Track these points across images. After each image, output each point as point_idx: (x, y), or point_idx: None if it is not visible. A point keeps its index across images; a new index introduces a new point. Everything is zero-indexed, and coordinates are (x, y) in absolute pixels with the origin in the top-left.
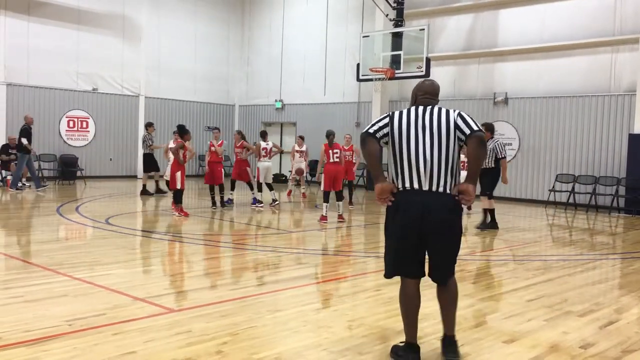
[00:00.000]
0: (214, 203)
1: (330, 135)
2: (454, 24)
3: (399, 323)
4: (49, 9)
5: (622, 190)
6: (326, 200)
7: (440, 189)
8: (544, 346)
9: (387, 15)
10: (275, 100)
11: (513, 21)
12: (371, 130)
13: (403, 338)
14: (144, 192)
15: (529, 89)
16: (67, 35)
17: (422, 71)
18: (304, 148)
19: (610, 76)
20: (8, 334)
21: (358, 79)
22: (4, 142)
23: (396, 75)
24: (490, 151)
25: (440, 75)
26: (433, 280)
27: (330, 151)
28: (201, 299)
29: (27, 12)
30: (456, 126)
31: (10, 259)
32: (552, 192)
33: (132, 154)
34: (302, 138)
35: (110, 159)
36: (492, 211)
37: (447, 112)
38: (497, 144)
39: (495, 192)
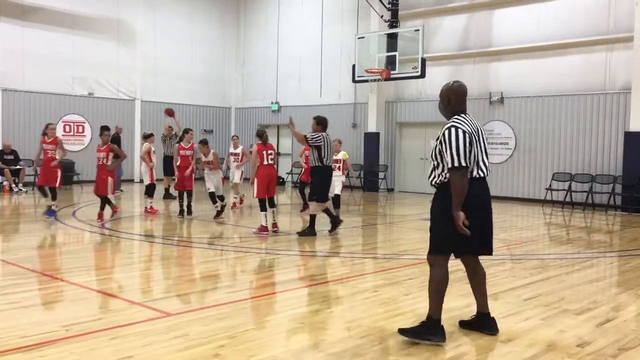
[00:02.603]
0: (181, 212)
1: (263, 134)
2: (448, 24)
3: (396, 324)
4: (44, 13)
5: (618, 188)
6: (263, 208)
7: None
8: (541, 345)
9: (382, 17)
10: (271, 103)
11: (508, 21)
12: (464, 163)
13: (402, 338)
14: (167, 196)
15: (524, 89)
16: (62, 39)
17: (417, 72)
18: (238, 150)
19: (605, 75)
20: (4, 339)
21: (354, 80)
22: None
23: (392, 76)
24: (316, 148)
25: (435, 75)
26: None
27: (264, 152)
28: (198, 302)
29: (21, 17)
30: None
31: (7, 265)
32: (549, 191)
33: (128, 158)
34: (237, 137)
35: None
36: (313, 217)
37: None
38: (327, 139)
39: (491, 191)
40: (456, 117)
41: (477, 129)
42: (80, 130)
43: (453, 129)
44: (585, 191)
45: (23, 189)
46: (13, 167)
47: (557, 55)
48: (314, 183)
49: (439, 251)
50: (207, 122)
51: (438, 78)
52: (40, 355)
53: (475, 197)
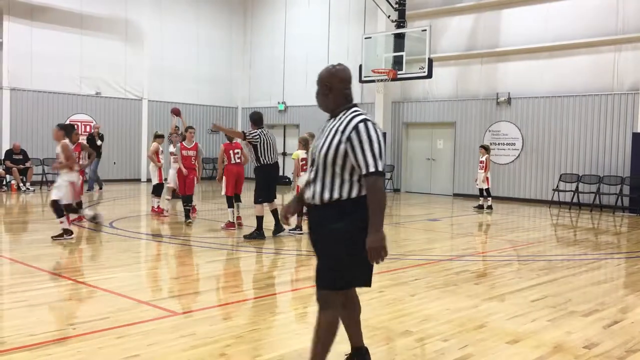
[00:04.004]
0: (187, 216)
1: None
2: (456, 24)
3: (403, 324)
4: (52, 13)
5: (626, 190)
6: (230, 205)
7: None
8: (548, 346)
9: (389, 17)
10: (278, 103)
11: (515, 21)
12: (381, 168)
13: (407, 338)
14: (175, 196)
15: (532, 89)
16: (70, 39)
17: (424, 72)
18: (175, 150)
19: (613, 75)
20: (12, 338)
21: (360, 80)
22: (8, 148)
23: (398, 76)
24: (252, 146)
25: (442, 75)
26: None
27: (231, 151)
28: (205, 301)
29: (30, 17)
30: None
31: (14, 263)
32: (556, 192)
33: (135, 157)
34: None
35: (114, 163)
36: (260, 219)
37: None
38: (266, 136)
39: (497, 192)
40: (357, 109)
41: None
42: (88, 129)
43: (369, 124)
44: (592, 192)
45: (31, 188)
46: (21, 167)
47: (565, 56)
48: (256, 183)
49: (339, 287)
50: (212, 122)
51: (445, 78)
52: (47, 354)
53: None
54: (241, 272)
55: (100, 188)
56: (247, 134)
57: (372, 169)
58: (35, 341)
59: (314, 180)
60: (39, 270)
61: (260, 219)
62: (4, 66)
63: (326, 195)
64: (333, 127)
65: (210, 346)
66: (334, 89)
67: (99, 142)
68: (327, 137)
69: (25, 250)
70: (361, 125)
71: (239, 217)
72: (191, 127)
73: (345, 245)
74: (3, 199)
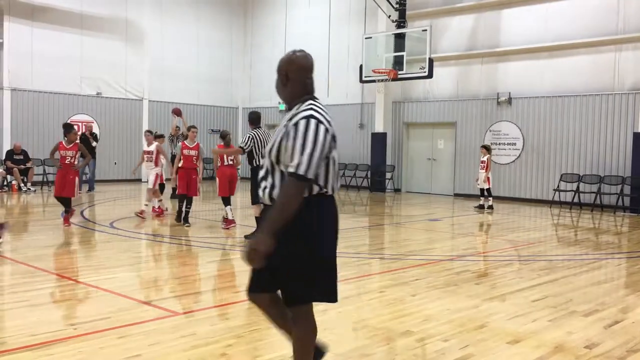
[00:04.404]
0: (179, 216)
1: (226, 136)
2: (456, 24)
3: (403, 324)
4: (53, 14)
5: (627, 190)
6: (227, 203)
7: None
8: (549, 346)
9: (389, 17)
10: (279, 103)
11: (516, 21)
12: (311, 175)
13: (407, 338)
14: (176, 196)
15: (532, 89)
16: (70, 40)
17: (425, 72)
18: (152, 148)
19: (614, 75)
20: (13, 338)
21: (361, 81)
22: (9, 148)
23: (399, 76)
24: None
25: (443, 75)
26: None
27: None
28: (205, 302)
29: (30, 17)
30: None
31: (16, 264)
32: (557, 192)
33: (136, 157)
34: (150, 133)
35: (115, 163)
36: (259, 219)
37: None
38: (259, 136)
39: (498, 192)
40: (312, 103)
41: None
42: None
43: (312, 122)
44: (593, 192)
45: (32, 188)
46: (22, 167)
47: (566, 56)
48: (251, 184)
49: (309, 298)
50: (214, 122)
51: (445, 78)
52: (48, 354)
53: (328, 223)
54: (242, 272)
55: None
56: (243, 146)
57: (292, 170)
58: (36, 341)
59: (264, 178)
60: (40, 270)
61: (259, 220)
62: (5, 66)
63: (275, 194)
64: (285, 120)
65: (211, 346)
66: (292, 78)
67: (93, 144)
68: (277, 132)
69: (26, 250)
70: (302, 122)
71: (231, 220)
72: (194, 127)
73: (293, 252)
74: (4, 199)
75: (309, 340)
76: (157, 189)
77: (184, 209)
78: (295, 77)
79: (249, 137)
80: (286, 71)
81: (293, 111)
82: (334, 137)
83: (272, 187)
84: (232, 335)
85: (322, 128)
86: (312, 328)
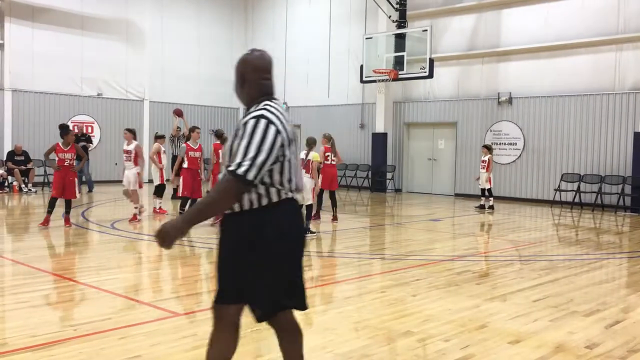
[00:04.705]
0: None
1: (222, 135)
2: (456, 24)
3: (404, 324)
4: (54, 14)
5: (627, 189)
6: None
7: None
8: (550, 346)
9: (389, 17)
10: (281, 104)
11: (516, 21)
12: (251, 177)
13: (408, 338)
14: (177, 197)
15: (533, 89)
16: (71, 40)
17: (425, 72)
18: (131, 147)
19: (615, 75)
20: (14, 339)
21: (362, 81)
22: (10, 149)
23: (400, 76)
24: None
25: (443, 75)
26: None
27: (221, 151)
28: (206, 302)
29: (31, 18)
30: None
31: (17, 264)
32: (558, 192)
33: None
34: (130, 131)
35: (116, 164)
36: None
37: None
38: None
39: (499, 192)
40: (267, 103)
41: (292, 131)
42: (90, 130)
43: (261, 121)
44: (594, 192)
45: (33, 189)
46: (23, 168)
47: (566, 56)
48: None
49: (275, 307)
50: (215, 122)
51: (446, 78)
52: (49, 355)
53: (284, 229)
54: None
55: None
56: None
57: (232, 168)
58: (37, 342)
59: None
60: (40, 271)
61: None
62: (6, 67)
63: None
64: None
65: None
66: (248, 79)
67: (90, 147)
68: (233, 135)
69: (27, 251)
70: (251, 122)
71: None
72: (197, 128)
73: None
74: (5, 200)
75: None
76: (135, 189)
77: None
78: (252, 78)
79: None
80: (242, 72)
81: (248, 112)
82: (289, 139)
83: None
84: None
85: (272, 128)
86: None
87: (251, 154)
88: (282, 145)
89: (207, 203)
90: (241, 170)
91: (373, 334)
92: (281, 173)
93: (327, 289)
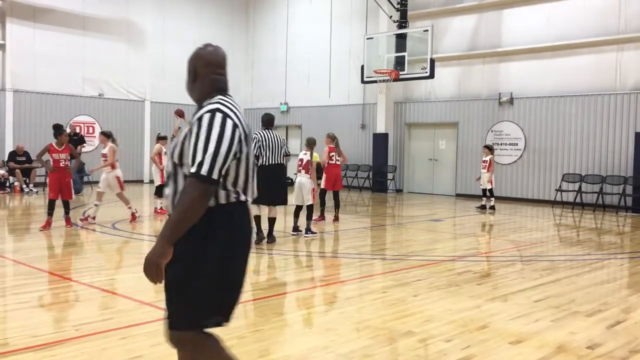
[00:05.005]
0: None
1: None
2: (457, 24)
3: (405, 325)
4: (55, 15)
5: (629, 190)
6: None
7: None
8: (551, 347)
9: (390, 17)
10: (280, 104)
11: (517, 21)
12: (216, 175)
13: (409, 339)
14: None
15: (534, 89)
16: (72, 41)
17: (426, 72)
18: (106, 150)
19: (616, 75)
20: (16, 339)
21: (362, 81)
22: (12, 149)
23: (401, 76)
24: (284, 146)
25: (444, 76)
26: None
27: None
28: None
29: (32, 18)
30: None
31: (18, 265)
32: (559, 192)
33: (138, 158)
34: (105, 135)
35: None
36: (256, 219)
37: None
38: (264, 137)
39: (500, 192)
40: (221, 98)
41: (248, 126)
42: (91, 131)
43: (217, 115)
44: (595, 192)
45: (34, 190)
46: (24, 166)
47: (567, 56)
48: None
49: (199, 323)
50: None
51: (447, 79)
52: (50, 355)
53: (240, 233)
54: None
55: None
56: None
57: (194, 170)
58: (38, 342)
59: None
60: (42, 271)
61: (255, 219)
62: (7, 68)
63: (168, 202)
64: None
65: None
66: (200, 74)
67: (84, 147)
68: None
69: (29, 251)
70: (206, 116)
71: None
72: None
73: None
74: (6, 200)
75: None
76: (121, 192)
77: None
78: (204, 74)
79: (255, 137)
80: (194, 67)
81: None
82: (246, 136)
83: (175, 193)
84: (235, 335)
85: (229, 122)
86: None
87: (211, 149)
88: (241, 141)
89: (178, 217)
90: (204, 170)
91: (374, 334)
92: (237, 171)
93: (329, 289)
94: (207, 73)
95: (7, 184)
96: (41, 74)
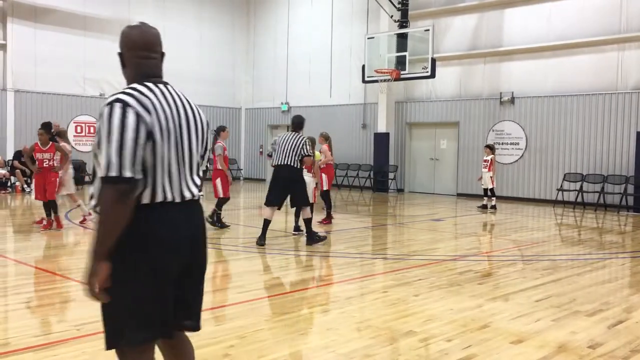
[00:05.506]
0: (222, 224)
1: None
2: (459, 24)
3: (406, 324)
4: (56, 15)
5: (630, 189)
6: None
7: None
8: (552, 346)
9: (391, 17)
10: (281, 103)
11: (518, 20)
12: (128, 173)
13: (410, 338)
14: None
15: (535, 88)
16: (73, 41)
17: (427, 72)
18: (68, 149)
19: (617, 74)
20: (17, 339)
21: (363, 81)
22: (13, 149)
23: (402, 76)
24: (298, 148)
25: (445, 75)
26: (188, 329)
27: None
28: (208, 302)
29: (33, 18)
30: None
31: (19, 264)
32: (560, 192)
33: None
34: (58, 135)
35: None
36: (310, 220)
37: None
38: (307, 140)
39: (501, 192)
40: (134, 86)
41: (177, 112)
42: (92, 131)
43: (115, 108)
44: (596, 192)
45: (27, 189)
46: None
47: (569, 55)
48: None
49: (132, 340)
50: (217, 122)
51: (448, 78)
52: (51, 355)
53: (157, 237)
54: (244, 273)
55: None
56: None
57: (104, 173)
58: (39, 342)
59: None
60: (43, 271)
61: (266, 222)
62: (8, 68)
63: (94, 203)
64: None
65: (213, 347)
66: (127, 58)
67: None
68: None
69: (30, 251)
70: (105, 110)
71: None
72: (224, 127)
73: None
74: (7, 200)
75: None
76: (73, 193)
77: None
78: (129, 57)
79: (274, 141)
80: (121, 50)
81: None
82: (160, 126)
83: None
84: (235, 335)
85: (130, 113)
86: None
87: (114, 146)
88: (150, 133)
89: (101, 228)
90: (114, 170)
91: (375, 333)
92: (154, 170)
93: (329, 289)
94: (131, 57)
95: (9, 184)
96: (42, 74)
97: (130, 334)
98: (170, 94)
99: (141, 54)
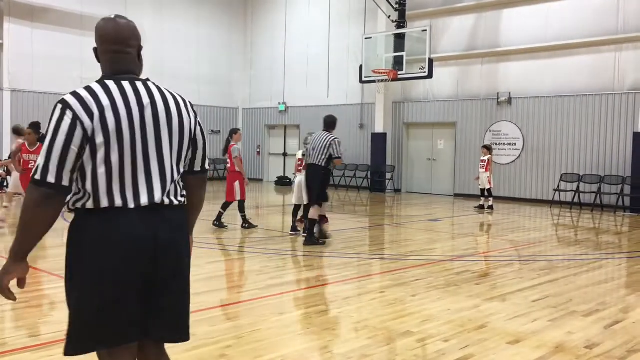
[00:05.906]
0: (250, 225)
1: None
2: (456, 24)
3: (404, 325)
4: (53, 15)
5: (627, 189)
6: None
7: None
8: (549, 346)
9: (389, 17)
10: (279, 103)
11: (516, 21)
12: (51, 178)
13: (407, 339)
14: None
15: (532, 89)
16: (70, 40)
17: (425, 72)
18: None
19: (614, 75)
20: (13, 339)
21: (361, 81)
22: (9, 149)
23: (399, 76)
24: (325, 148)
25: (443, 75)
26: (163, 341)
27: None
28: (205, 302)
29: (30, 18)
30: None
31: None
32: (557, 192)
33: None
34: (14, 131)
35: None
36: (314, 221)
37: (176, 98)
38: (336, 140)
39: (498, 192)
40: (89, 85)
41: (140, 112)
42: None
43: (58, 108)
44: (593, 192)
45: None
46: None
47: (566, 56)
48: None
49: (76, 348)
50: (214, 122)
51: (446, 78)
52: (48, 355)
53: (98, 244)
54: (242, 273)
55: None
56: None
57: (33, 171)
58: (36, 342)
59: None
60: (40, 271)
61: (314, 221)
62: (5, 67)
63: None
64: None
65: (210, 347)
66: (100, 52)
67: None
68: None
69: None
70: (55, 107)
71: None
72: (238, 129)
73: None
74: (3, 199)
75: None
76: (11, 192)
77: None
78: (102, 51)
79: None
80: (96, 45)
81: None
82: (107, 128)
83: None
84: (232, 336)
85: (67, 114)
86: None
87: (44, 148)
88: (86, 137)
89: (20, 229)
90: (37, 175)
91: (372, 334)
92: (94, 174)
93: (327, 289)
94: (103, 51)
95: (5, 184)
96: (39, 74)
97: (75, 343)
98: (137, 92)
99: (114, 48)
